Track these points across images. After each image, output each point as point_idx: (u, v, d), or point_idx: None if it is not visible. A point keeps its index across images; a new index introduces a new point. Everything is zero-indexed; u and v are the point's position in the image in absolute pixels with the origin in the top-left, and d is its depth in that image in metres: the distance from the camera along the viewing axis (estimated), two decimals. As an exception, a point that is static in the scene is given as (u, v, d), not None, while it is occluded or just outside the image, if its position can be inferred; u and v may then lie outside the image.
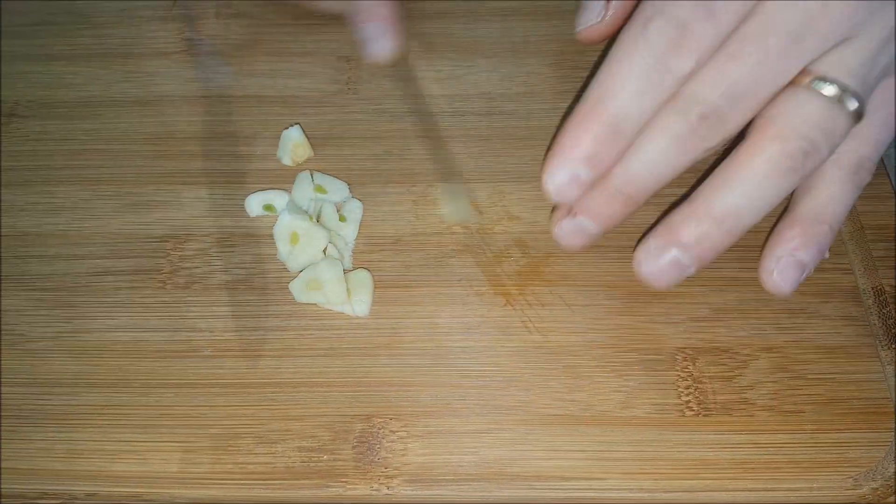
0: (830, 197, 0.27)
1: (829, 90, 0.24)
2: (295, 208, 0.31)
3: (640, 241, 0.27)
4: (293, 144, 0.33)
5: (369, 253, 0.31)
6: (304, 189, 0.32)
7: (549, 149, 0.26)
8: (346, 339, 0.29)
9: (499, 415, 0.27)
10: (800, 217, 0.27)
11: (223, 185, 0.33)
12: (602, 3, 0.32)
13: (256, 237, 0.32)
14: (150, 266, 0.31)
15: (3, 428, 0.27)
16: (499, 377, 0.28)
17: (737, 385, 0.28)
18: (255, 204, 0.32)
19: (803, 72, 0.24)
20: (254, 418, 0.27)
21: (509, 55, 0.37)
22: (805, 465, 0.26)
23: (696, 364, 0.28)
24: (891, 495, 0.26)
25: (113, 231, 0.32)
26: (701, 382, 0.28)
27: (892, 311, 0.30)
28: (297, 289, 0.30)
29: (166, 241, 0.32)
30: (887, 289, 0.30)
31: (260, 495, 0.26)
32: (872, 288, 0.30)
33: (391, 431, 0.27)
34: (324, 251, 0.31)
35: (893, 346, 0.29)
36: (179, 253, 0.31)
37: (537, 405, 0.27)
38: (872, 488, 0.26)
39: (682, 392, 0.28)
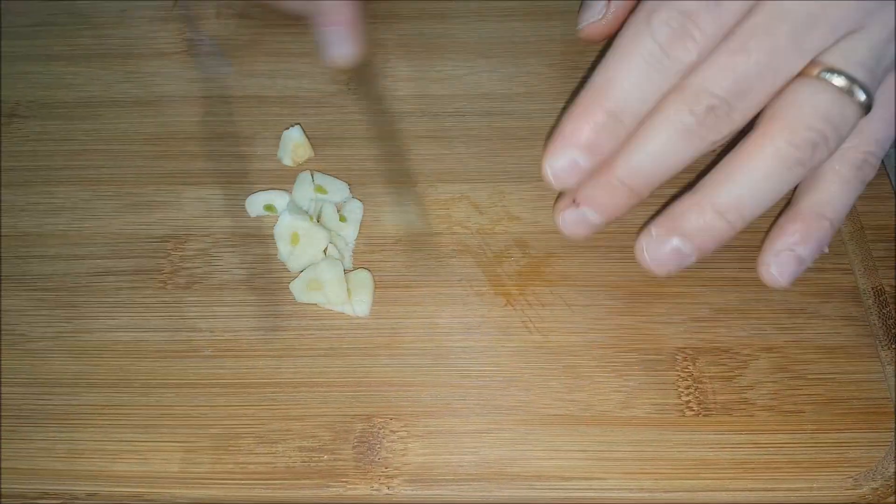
0: (833, 193, 0.27)
1: (839, 81, 0.24)
2: (295, 208, 0.31)
3: (643, 228, 0.27)
4: (294, 145, 0.33)
5: (370, 253, 0.31)
6: (304, 189, 0.32)
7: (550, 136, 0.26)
8: (346, 339, 0.29)
9: (499, 415, 0.27)
10: (802, 212, 0.27)
11: (224, 186, 0.33)
12: (604, 1, 0.32)
13: (257, 237, 0.32)
14: (150, 266, 0.31)
15: (3, 428, 0.27)
16: (499, 377, 0.28)
17: (737, 385, 0.28)
18: (255, 204, 0.32)
19: (812, 63, 0.24)
20: (254, 418, 0.27)
21: (509, 55, 0.37)
22: (805, 465, 0.26)
23: (697, 364, 0.28)
24: (891, 495, 0.26)
25: (113, 231, 0.32)
26: (701, 382, 0.28)
27: (892, 311, 0.30)
28: (298, 289, 0.30)
29: (167, 242, 0.32)
30: (887, 289, 0.30)
31: (260, 495, 0.26)
32: (872, 288, 0.30)
33: (391, 431, 0.27)
34: (324, 251, 0.31)
35: (893, 346, 0.29)
36: (180, 253, 0.31)
37: (537, 405, 0.28)
38: (872, 488, 0.26)
39: (683, 392, 0.28)
